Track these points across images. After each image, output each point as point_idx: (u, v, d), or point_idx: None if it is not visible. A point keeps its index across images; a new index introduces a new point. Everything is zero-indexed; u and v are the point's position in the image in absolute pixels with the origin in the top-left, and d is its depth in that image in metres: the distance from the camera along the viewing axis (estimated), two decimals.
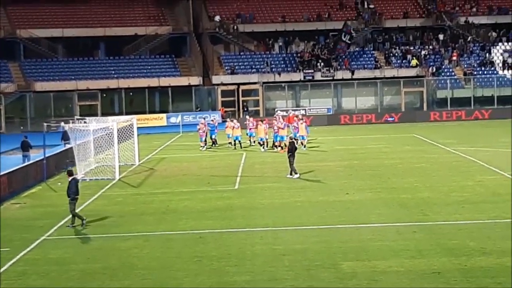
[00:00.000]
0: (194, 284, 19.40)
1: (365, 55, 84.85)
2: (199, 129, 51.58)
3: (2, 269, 21.23)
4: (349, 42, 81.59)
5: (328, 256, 21.49)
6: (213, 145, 51.90)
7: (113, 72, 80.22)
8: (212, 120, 53.67)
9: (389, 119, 71.49)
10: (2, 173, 34.08)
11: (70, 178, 27.38)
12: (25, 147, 44.40)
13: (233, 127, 51.17)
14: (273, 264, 20.86)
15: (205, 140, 51.37)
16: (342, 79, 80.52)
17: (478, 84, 79.87)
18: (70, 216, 27.41)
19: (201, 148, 50.74)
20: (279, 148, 47.30)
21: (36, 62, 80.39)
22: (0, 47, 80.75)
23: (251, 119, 53.65)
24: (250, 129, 51.76)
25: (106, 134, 41.23)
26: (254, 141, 51.53)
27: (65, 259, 22.43)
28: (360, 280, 19.12)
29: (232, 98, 79.47)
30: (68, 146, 44.08)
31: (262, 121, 51.10)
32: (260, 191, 33.49)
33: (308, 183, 35.23)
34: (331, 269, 20.15)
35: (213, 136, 52.07)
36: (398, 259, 20.89)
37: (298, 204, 30.02)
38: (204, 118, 54.73)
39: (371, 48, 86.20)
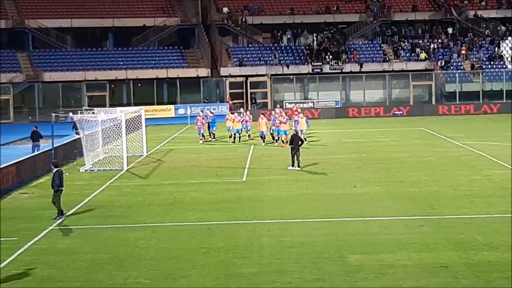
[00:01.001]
0: (201, 275, 19.41)
1: (374, 48, 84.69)
2: (197, 121, 51.30)
3: (10, 258, 21.27)
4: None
5: (335, 249, 21.48)
6: (213, 139, 51.32)
7: (122, 63, 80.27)
8: (211, 113, 53.25)
9: (397, 112, 71.29)
10: (10, 162, 34.17)
11: (55, 169, 27.22)
12: (36, 137, 44.50)
13: (233, 120, 50.79)
14: (280, 256, 20.86)
15: (203, 133, 50.94)
16: (351, 72, 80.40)
17: (487, 78, 79.64)
18: (78, 206, 27.47)
19: (200, 141, 50.34)
20: (282, 142, 46.77)
21: (44, 52, 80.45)
22: (8, 37, 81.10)
23: (248, 112, 53.36)
24: (247, 122, 51.30)
25: (114, 125, 41.23)
26: (249, 135, 51.02)
27: (73, 249, 22.46)
28: (367, 273, 19.11)
29: (240, 90, 79.37)
30: (77, 136, 44.15)
31: (263, 114, 50.76)
32: (268, 183, 33.48)
33: (316, 175, 35.20)
34: (338, 262, 20.15)
35: (213, 129, 51.52)
36: (405, 253, 20.87)
37: (305, 196, 30.02)
38: (202, 111, 54.43)
39: (380, 41, 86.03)
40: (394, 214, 26.19)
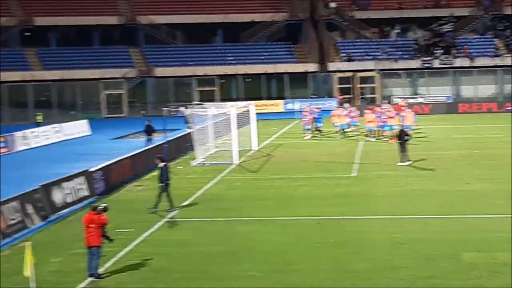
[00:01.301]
0: (312, 270, 19.50)
1: (485, 43, 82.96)
2: (303, 117, 51.33)
3: (127, 249, 21.88)
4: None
5: (448, 246, 21.20)
6: (319, 134, 51.05)
7: (231, 58, 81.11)
8: (317, 108, 53.21)
9: (510, 108, 69.48)
10: (125, 156, 35.14)
11: (162, 164, 27.65)
12: (149, 131, 45.59)
13: (339, 115, 50.65)
14: (392, 252, 20.78)
15: (310, 128, 50.97)
16: (461, 67, 79.02)
17: None
18: (190, 199, 27.97)
19: (305, 137, 50.36)
20: (389, 138, 46.24)
21: (156, 48, 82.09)
22: (121, 33, 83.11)
23: (354, 108, 52.87)
24: (353, 117, 51.04)
25: (224, 120, 41.79)
26: (355, 131, 50.51)
27: (186, 241, 22.91)
28: (481, 271, 18.84)
29: (348, 85, 79.18)
30: (188, 130, 44.97)
31: (370, 109, 50.31)
32: (377, 178, 33.35)
33: (425, 171, 34.82)
34: (451, 260, 19.90)
35: (319, 125, 51.44)
36: None
37: (415, 192, 29.75)
38: (308, 106, 54.47)
39: (491, 36, 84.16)
40: (508, 212, 25.62)
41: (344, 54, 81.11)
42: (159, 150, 37.88)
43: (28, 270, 17.23)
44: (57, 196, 27.21)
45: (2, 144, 48.07)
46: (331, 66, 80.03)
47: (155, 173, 35.90)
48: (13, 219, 23.92)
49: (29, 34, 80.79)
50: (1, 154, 46.70)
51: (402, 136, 36.86)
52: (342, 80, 79.17)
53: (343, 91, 78.00)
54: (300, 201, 28.54)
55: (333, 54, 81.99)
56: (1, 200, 23.91)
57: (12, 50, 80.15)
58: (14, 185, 30.58)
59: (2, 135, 48.89)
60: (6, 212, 23.62)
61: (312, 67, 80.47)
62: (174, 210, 27.04)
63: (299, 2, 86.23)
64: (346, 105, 54.71)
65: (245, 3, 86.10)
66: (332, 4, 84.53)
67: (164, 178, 27.19)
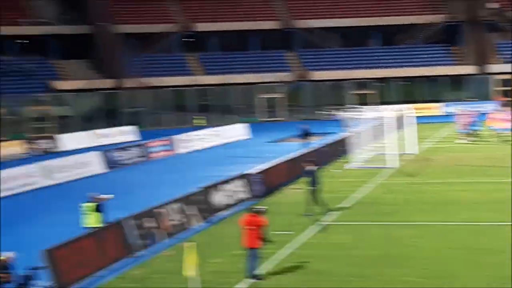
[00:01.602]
0: (472, 276, 19.20)
1: None
2: (459, 120, 50.32)
3: (285, 251, 22.22)
4: None
5: None
6: (475, 138, 49.72)
7: (387, 61, 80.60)
8: (474, 111, 52.00)
9: None
10: (283, 159, 35.70)
11: (313, 168, 27.68)
12: (306, 134, 46.09)
13: (497, 118, 49.23)
14: None
15: (467, 132, 49.92)
16: None
17: None
18: (347, 202, 28.07)
19: (460, 140, 49.43)
20: None
21: (312, 52, 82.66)
22: (278, 37, 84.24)
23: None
24: (509, 121, 49.47)
25: (381, 123, 41.70)
26: None
27: (345, 244, 23.01)
28: None
29: (508, 88, 77.10)
30: (345, 134, 45.11)
31: None
32: None
33: None
34: None
35: (476, 128, 50.27)
36: None
37: None
38: (465, 109, 53.42)
39: None
40: None
41: (504, 56, 79.00)
42: (316, 153, 38.17)
43: (189, 270, 17.87)
44: (217, 198, 28.01)
45: (167, 147, 49.87)
46: (491, 68, 78.19)
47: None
48: (176, 220, 24.83)
49: (190, 39, 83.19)
50: (165, 156, 48.50)
51: None
52: (502, 83, 77.16)
53: (503, 94, 76.03)
54: (459, 206, 28.17)
55: (493, 56, 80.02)
56: (166, 201, 24.88)
57: (173, 56, 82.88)
58: (177, 186, 31.74)
59: (166, 138, 50.65)
60: (170, 213, 24.55)
61: (470, 69, 78.92)
62: (329, 214, 27.24)
63: (457, 3, 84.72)
64: (504, 108, 53.27)
65: (402, 5, 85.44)
66: (492, 5, 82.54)
67: (314, 182, 27.43)
